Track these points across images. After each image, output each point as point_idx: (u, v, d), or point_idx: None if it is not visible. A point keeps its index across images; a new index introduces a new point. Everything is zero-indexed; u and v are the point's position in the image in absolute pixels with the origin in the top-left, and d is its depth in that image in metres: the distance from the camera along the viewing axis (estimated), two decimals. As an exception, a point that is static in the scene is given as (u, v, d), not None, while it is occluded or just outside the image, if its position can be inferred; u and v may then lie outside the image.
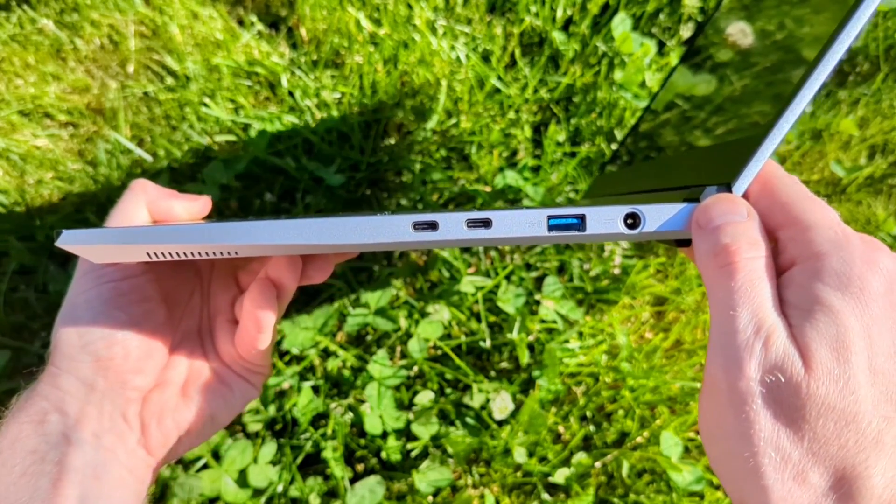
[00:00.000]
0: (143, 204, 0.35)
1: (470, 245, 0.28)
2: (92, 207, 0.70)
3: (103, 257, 0.28)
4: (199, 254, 0.28)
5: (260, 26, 0.74)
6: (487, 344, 0.67)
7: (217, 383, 0.37)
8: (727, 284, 0.24)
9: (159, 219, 0.36)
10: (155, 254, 0.28)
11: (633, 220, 0.27)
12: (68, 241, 0.28)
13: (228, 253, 0.27)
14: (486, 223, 0.27)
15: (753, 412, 0.22)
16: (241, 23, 0.75)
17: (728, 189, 0.27)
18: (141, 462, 0.34)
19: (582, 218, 0.27)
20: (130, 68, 0.73)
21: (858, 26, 0.25)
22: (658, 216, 0.27)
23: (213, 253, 0.28)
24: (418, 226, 0.27)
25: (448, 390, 0.66)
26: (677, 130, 0.42)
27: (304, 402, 0.63)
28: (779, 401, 0.22)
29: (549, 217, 0.27)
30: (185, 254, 0.28)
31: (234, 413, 0.38)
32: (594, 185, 0.60)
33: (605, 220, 0.27)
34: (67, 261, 0.69)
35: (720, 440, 0.24)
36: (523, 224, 0.27)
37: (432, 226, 0.27)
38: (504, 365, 0.68)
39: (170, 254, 0.28)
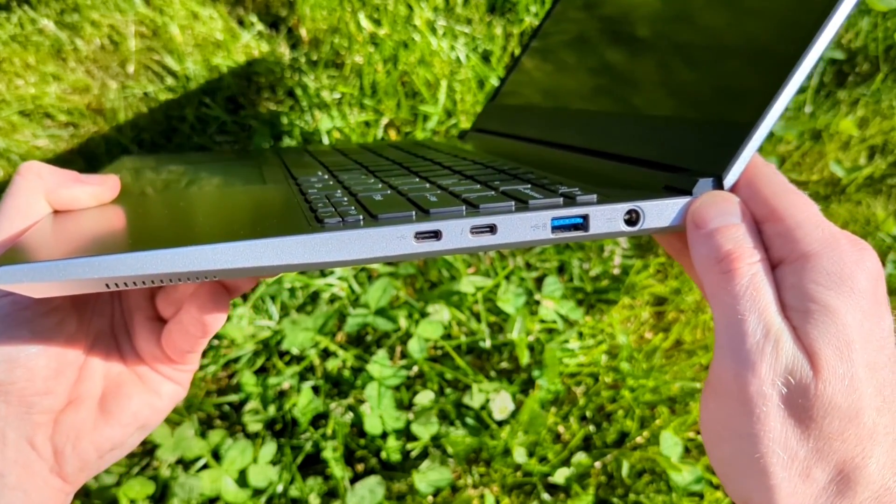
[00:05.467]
0: (39, 193, 0.29)
1: (475, 252, 0.27)
2: (92, 207, 0.70)
3: (48, 292, 0.23)
4: (171, 280, 0.24)
5: (260, 26, 0.74)
6: (487, 344, 0.67)
7: (140, 390, 0.33)
8: (731, 290, 0.25)
9: (60, 208, 0.31)
10: (116, 284, 0.23)
11: (631, 217, 0.27)
12: (7, 279, 0.22)
13: (206, 277, 0.24)
14: (492, 229, 0.26)
15: (764, 413, 0.23)
16: (241, 23, 0.75)
17: (719, 181, 0.27)
18: (56, 492, 0.30)
19: (585, 217, 0.27)
20: (130, 68, 0.73)
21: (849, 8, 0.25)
22: (657, 213, 0.27)
23: (190, 279, 0.24)
24: (420, 235, 0.25)
25: (448, 390, 0.66)
26: (628, 79, 0.38)
27: (304, 402, 0.63)
28: (788, 402, 0.23)
29: (553, 218, 0.26)
30: (154, 282, 0.24)
31: (163, 417, 0.34)
32: (484, 116, 0.55)
33: (607, 218, 0.27)
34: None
35: (727, 441, 0.25)
36: (528, 228, 0.26)
37: (435, 235, 0.25)
38: (504, 365, 0.68)
39: (135, 283, 0.23)
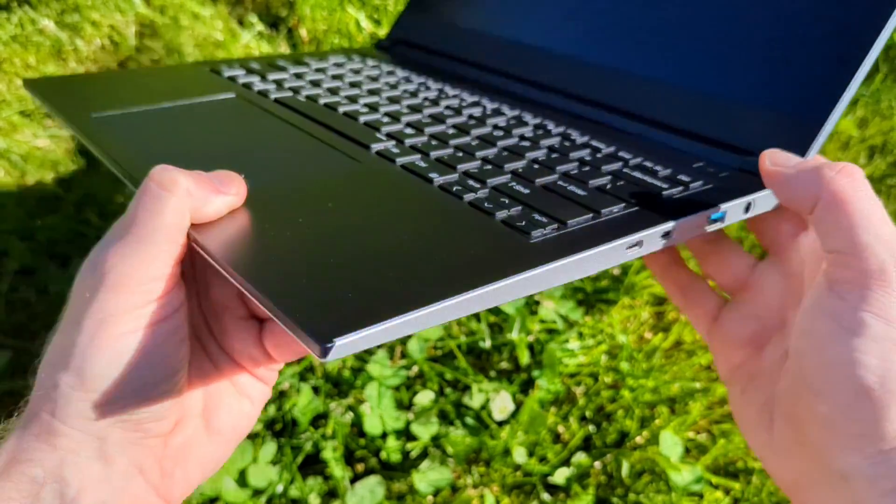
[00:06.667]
0: (188, 213, 0.25)
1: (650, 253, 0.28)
2: (94, 209, 0.70)
3: (366, 346, 0.21)
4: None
5: (260, 26, 0.74)
6: (487, 344, 0.67)
7: (237, 397, 0.31)
8: (865, 190, 0.27)
9: (199, 223, 0.26)
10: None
11: (747, 207, 0.30)
12: (346, 350, 0.19)
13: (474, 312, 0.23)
14: (669, 234, 0.27)
15: None
16: (241, 23, 0.75)
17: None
18: None
19: (726, 212, 0.29)
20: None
21: None
22: (764, 202, 0.30)
23: (462, 314, 0.22)
24: (629, 246, 0.26)
25: (448, 390, 0.66)
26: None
27: (304, 402, 0.63)
28: None
29: (713, 214, 0.28)
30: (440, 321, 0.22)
31: (254, 423, 0.32)
32: (409, 20, 0.49)
33: (735, 210, 0.29)
34: (68, 260, 0.69)
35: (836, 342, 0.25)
36: (694, 227, 0.28)
37: (639, 244, 0.26)
38: (504, 365, 0.68)
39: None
